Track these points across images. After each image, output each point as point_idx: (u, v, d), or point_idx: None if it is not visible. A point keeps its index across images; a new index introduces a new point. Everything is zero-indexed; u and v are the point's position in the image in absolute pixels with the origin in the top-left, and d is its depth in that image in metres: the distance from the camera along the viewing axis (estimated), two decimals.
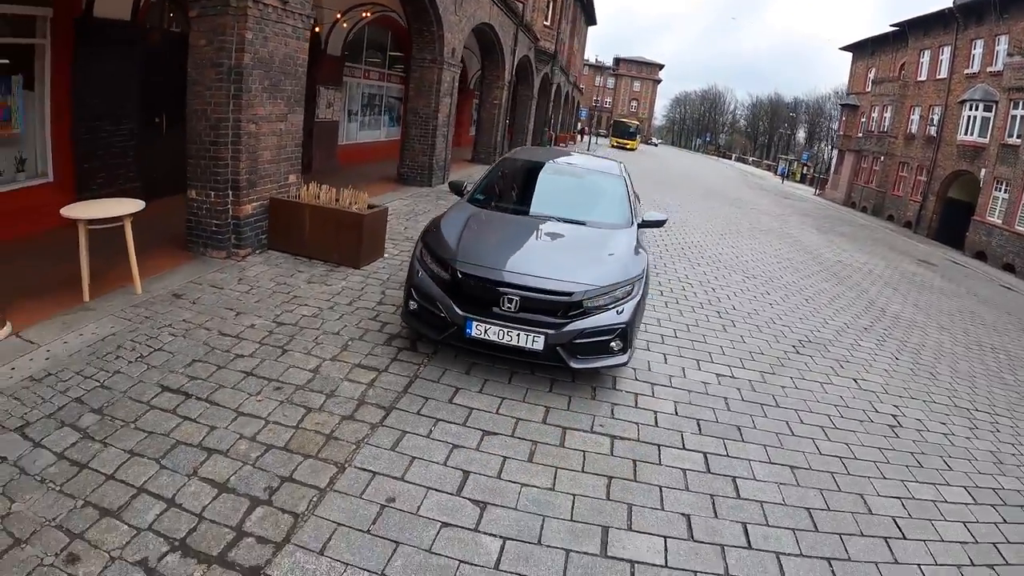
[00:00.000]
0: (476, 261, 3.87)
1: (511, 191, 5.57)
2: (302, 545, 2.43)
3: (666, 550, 2.67)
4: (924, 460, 3.89)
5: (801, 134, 74.30)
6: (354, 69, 13.23)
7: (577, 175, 5.76)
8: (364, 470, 2.93)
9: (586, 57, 53.63)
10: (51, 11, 5.79)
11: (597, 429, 3.57)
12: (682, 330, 5.52)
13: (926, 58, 24.75)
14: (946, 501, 3.46)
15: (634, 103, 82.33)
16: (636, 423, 3.71)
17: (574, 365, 3.71)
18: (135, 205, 4.67)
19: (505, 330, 3.63)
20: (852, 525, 3.05)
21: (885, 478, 3.57)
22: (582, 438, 3.45)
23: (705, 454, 3.49)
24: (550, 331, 3.62)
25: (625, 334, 3.81)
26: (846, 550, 2.85)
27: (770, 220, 14.61)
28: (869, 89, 29.37)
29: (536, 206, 5.01)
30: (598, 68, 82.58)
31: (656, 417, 3.83)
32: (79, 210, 4.41)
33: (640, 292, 4.00)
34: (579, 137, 43.11)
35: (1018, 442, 4.48)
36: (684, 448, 3.52)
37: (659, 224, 5.20)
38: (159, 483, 2.67)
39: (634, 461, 3.31)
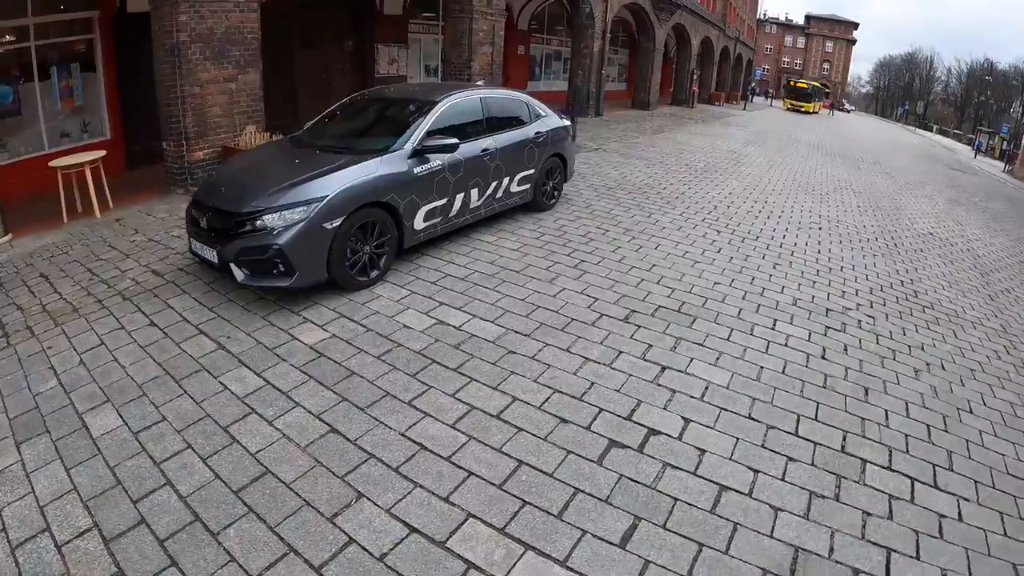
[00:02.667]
0: (201, 188, 4.63)
1: (324, 126, 5.64)
2: None
3: None
4: None
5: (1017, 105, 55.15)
6: (430, 27, 14.35)
7: (398, 104, 5.52)
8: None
9: (773, 14, 49.32)
10: (97, 12, 8.03)
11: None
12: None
13: None
14: None
15: (826, 65, 72.50)
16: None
17: (239, 280, 4.09)
18: (94, 155, 6.59)
19: (201, 245, 4.32)
20: None
21: None
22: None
23: None
24: (220, 246, 4.09)
25: (282, 256, 3.95)
26: None
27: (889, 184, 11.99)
28: None
29: (327, 138, 5.20)
30: (787, 26, 73.42)
31: None
32: (56, 160, 6.47)
33: (312, 217, 4.01)
34: (751, 97, 39.26)
35: None
36: None
37: (445, 149, 4.86)
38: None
39: None
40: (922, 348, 4.59)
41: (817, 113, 41.11)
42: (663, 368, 3.67)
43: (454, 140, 4.94)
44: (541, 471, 2.75)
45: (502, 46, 12.28)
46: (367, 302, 4.40)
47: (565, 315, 4.29)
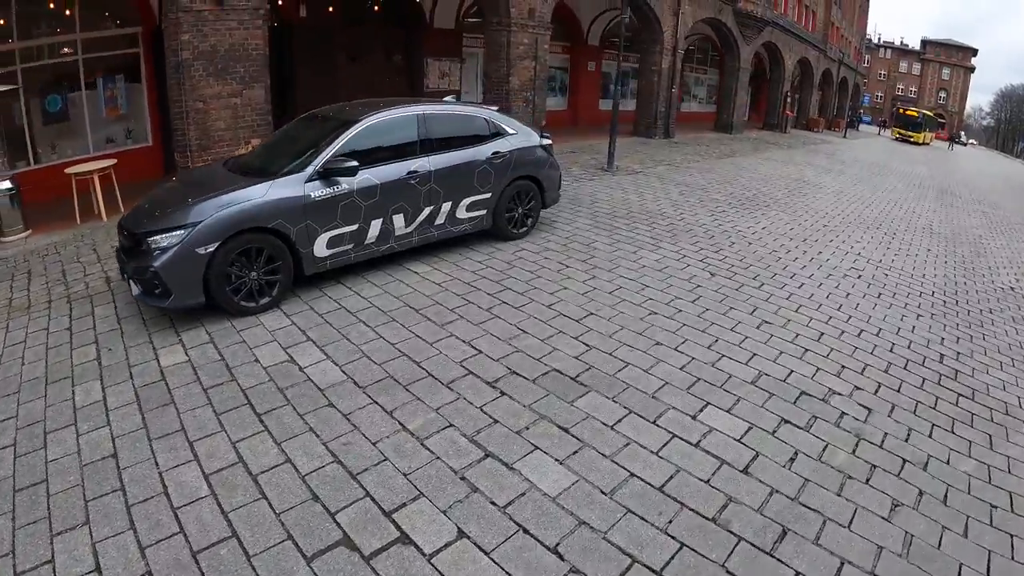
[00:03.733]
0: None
1: (265, 147, 5.55)
2: None
3: None
4: None
5: None
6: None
7: (328, 124, 5.11)
8: None
9: (888, 38, 45.41)
10: (140, 28, 8.65)
11: None
12: None
13: None
14: None
15: (942, 93, 64.99)
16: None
17: (134, 295, 4.25)
18: (104, 163, 7.07)
19: (120, 263, 4.44)
20: None
21: None
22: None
23: None
24: (125, 262, 4.29)
25: (159, 277, 3.98)
26: None
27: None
28: None
29: (254, 160, 5.11)
30: (901, 51, 67.54)
31: None
32: (71, 168, 6.97)
33: (186, 241, 4.00)
34: (856, 124, 36.56)
35: None
36: None
37: (344, 172, 4.53)
38: None
39: None
40: (924, 465, 3.21)
41: (928, 144, 37.36)
42: (484, 456, 2.89)
43: (353, 163, 4.59)
44: (245, 550, 2.36)
45: (546, 61, 11.72)
46: (244, 329, 4.20)
47: (424, 368, 3.66)
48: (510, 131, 5.89)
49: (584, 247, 6.04)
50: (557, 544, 2.41)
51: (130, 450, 2.99)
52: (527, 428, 3.13)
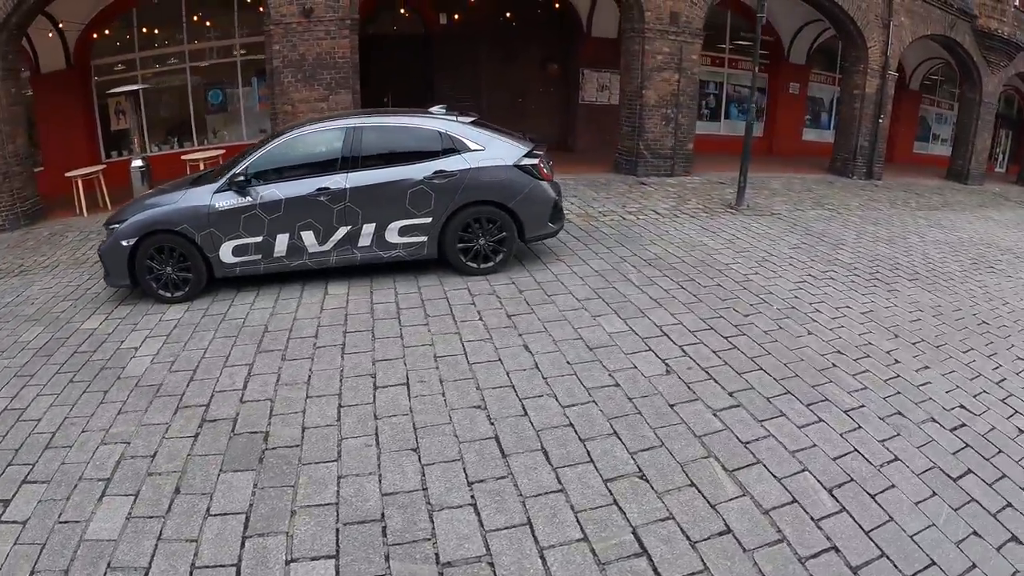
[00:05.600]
0: None
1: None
2: None
3: None
4: None
5: None
6: None
7: (275, 136, 5.33)
8: None
9: None
10: None
11: None
12: None
13: None
14: None
15: None
16: None
17: None
18: (99, 167, 8.67)
19: None
20: None
21: None
22: None
23: None
24: None
25: (100, 259, 5.07)
26: None
27: None
28: None
29: (218, 171, 5.44)
30: None
31: None
32: (73, 172, 8.39)
33: (117, 234, 4.87)
34: None
35: None
36: None
37: (240, 185, 4.79)
38: None
39: None
40: None
41: None
42: None
43: (241, 177, 4.83)
44: None
45: (695, 74, 9.87)
46: (150, 314, 4.83)
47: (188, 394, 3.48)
48: (472, 147, 5.00)
49: (545, 300, 4.70)
50: None
51: None
52: None
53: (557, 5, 11.84)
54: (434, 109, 5.42)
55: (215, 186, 4.85)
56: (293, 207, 4.82)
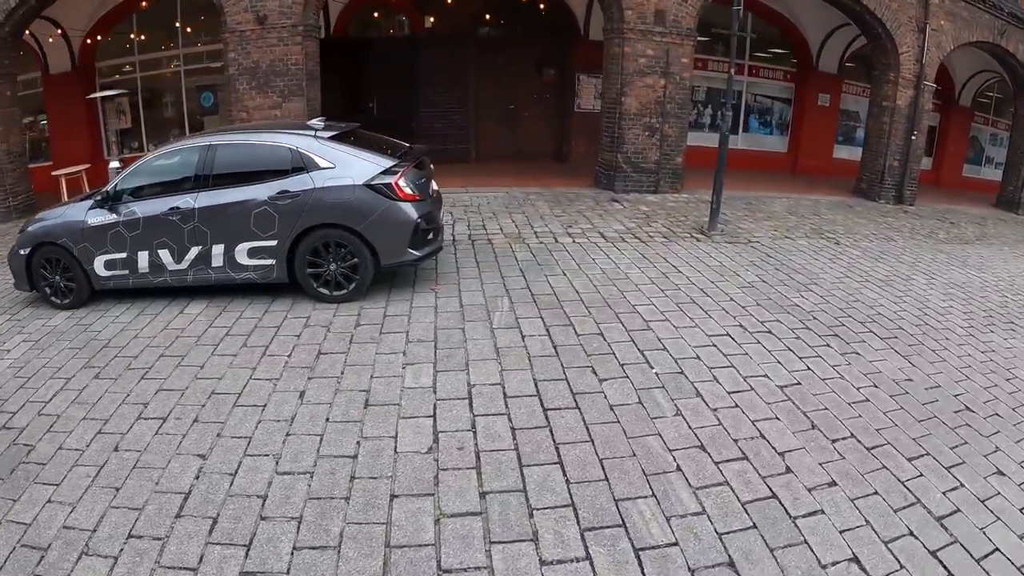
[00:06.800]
0: None
1: None
2: None
3: None
4: None
5: None
6: None
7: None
8: None
9: None
10: None
11: None
12: None
13: None
14: None
15: None
16: None
17: None
18: (83, 166, 8.95)
19: None
20: None
21: None
22: None
23: None
24: None
25: (7, 264, 5.55)
26: None
27: None
28: None
29: None
30: None
31: None
32: (58, 171, 8.75)
33: (17, 242, 5.25)
34: None
35: None
36: None
37: (102, 203, 4.94)
38: None
39: None
40: None
41: None
42: None
43: (99, 196, 4.99)
44: None
45: (685, 80, 8.92)
46: (42, 319, 5.04)
47: None
48: (322, 165, 4.59)
49: (373, 338, 4.17)
50: None
51: None
52: None
53: (542, 5, 11.17)
54: (312, 122, 5.07)
55: (89, 203, 5.01)
56: (150, 226, 4.84)
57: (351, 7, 10.91)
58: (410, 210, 4.64)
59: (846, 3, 9.33)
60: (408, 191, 4.63)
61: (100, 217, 4.89)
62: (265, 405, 3.45)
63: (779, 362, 4.11)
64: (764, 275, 5.96)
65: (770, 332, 4.58)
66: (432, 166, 5.45)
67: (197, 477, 2.86)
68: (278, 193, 4.56)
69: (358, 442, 3.08)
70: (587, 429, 3.23)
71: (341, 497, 2.69)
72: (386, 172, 4.58)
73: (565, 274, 5.52)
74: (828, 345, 4.46)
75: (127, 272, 4.97)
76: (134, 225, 4.82)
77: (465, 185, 9.21)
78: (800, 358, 4.19)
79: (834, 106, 12.81)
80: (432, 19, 11.36)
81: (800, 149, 12.57)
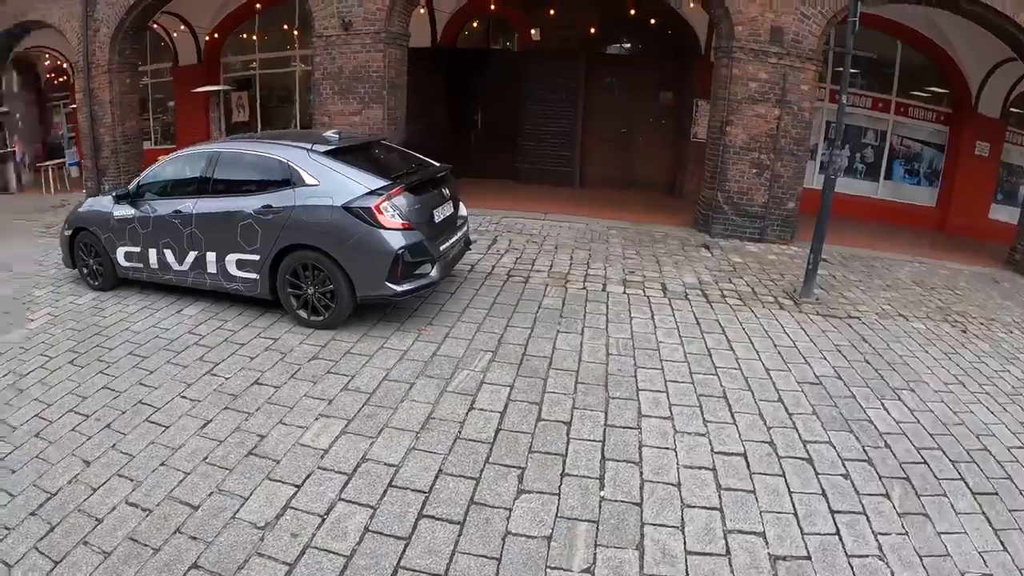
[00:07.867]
0: None
1: None
2: None
3: None
4: None
5: None
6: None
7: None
8: None
9: None
10: None
11: None
12: None
13: None
14: None
15: None
16: None
17: None
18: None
19: None
20: None
21: None
22: None
23: None
24: None
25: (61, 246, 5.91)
26: None
27: None
28: None
29: None
30: None
31: None
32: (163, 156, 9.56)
33: (64, 225, 5.76)
34: None
35: None
36: None
37: (121, 199, 5.21)
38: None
39: None
40: None
41: None
42: None
43: (115, 193, 5.31)
44: None
45: (806, 110, 7.45)
46: (74, 299, 5.51)
47: None
48: (308, 181, 4.35)
49: (317, 375, 3.85)
50: None
51: None
52: None
53: (655, 21, 10.15)
54: (328, 134, 4.90)
55: (114, 196, 5.33)
56: (158, 225, 5.01)
57: (460, 17, 10.88)
58: (391, 238, 4.20)
59: (1010, 30, 7.16)
60: (390, 217, 4.21)
61: (121, 211, 5.20)
62: (168, 427, 3.37)
63: (795, 513, 2.94)
64: (843, 369, 4.62)
65: (808, 460, 3.37)
66: (448, 188, 5.04)
67: (70, 481, 2.90)
68: (262, 207, 4.45)
69: (211, 493, 2.81)
70: (449, 560, 2.48)
71: (152, 548, 2.48)
72: (370, 194, 4.21)
73: (582, 333, 4.74)
74: (886, 495, 3.17)
75: (141, 266, 5.23)
76: (146, 223, 5.04)
77: (546, 211, 8.66)
78: (832, 512, 2.97)
79: (994, 156, 10.10)
80: (540, 32, 10.92)
81: (951, 204, 10.10)
